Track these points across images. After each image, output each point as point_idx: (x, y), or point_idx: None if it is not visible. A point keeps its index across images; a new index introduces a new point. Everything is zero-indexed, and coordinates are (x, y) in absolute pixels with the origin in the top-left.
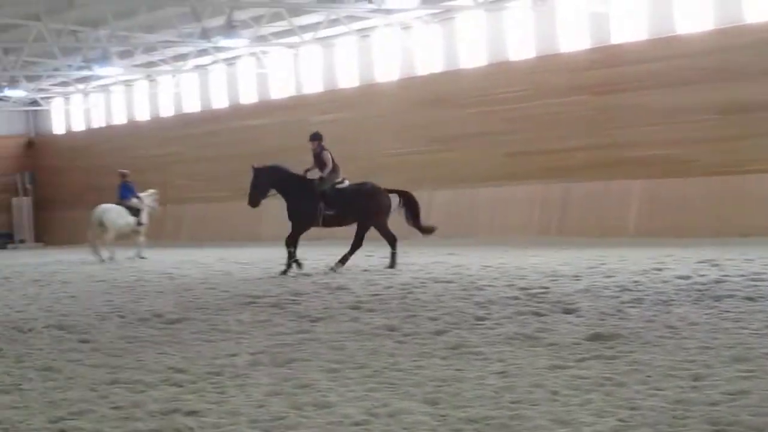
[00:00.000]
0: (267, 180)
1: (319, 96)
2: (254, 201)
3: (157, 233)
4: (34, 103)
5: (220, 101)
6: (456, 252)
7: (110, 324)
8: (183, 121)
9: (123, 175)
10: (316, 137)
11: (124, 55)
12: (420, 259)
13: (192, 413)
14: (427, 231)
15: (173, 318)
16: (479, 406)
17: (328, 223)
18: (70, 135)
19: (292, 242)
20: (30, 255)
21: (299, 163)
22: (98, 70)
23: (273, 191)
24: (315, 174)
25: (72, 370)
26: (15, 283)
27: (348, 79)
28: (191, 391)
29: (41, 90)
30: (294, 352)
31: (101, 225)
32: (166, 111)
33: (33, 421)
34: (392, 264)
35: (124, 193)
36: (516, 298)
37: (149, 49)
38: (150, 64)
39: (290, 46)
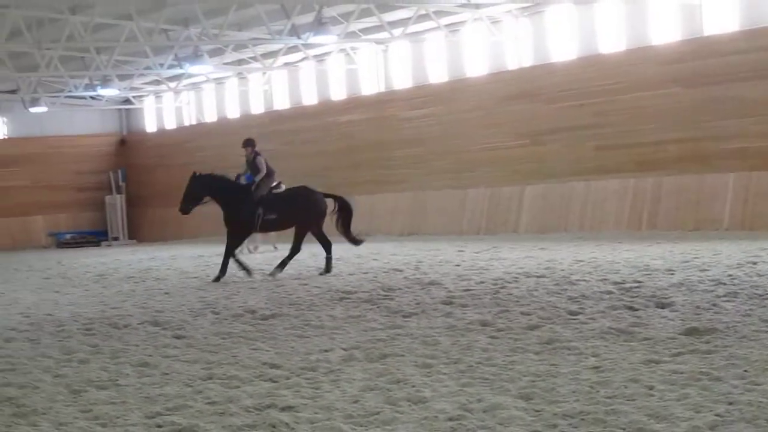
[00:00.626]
0: (202, 188)
1: (408, 91)
2: (185, 208)
3: None
4: (127, 101)
5: (309, 98)
6: (547, 246)
7: (204, 320)
8: (273, 117)
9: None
10: (249, 143)
11: (215, 53)
12: (511, 254)
13: (287, 408)
14: (354, 241)
15: (266, 314)
16: (574, 401)
17: (267, 227)
18: (161, 133)
19: (232, 250)
20: (124, 252)
21: (385, 160)
22: (189, 68)
23: (207, 198)
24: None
25: (167, 365)
26: (110, 280)
27: (437, 75)
28: (286, 386)
29: (133, 89)
30: (387, 348)
31: None
32: (257, 108)
33: (130, 416)
34: (328, 269)
35: None
36: (609, 292)
37: (240, 46)
38: (240, 62)
39: (379, 42)
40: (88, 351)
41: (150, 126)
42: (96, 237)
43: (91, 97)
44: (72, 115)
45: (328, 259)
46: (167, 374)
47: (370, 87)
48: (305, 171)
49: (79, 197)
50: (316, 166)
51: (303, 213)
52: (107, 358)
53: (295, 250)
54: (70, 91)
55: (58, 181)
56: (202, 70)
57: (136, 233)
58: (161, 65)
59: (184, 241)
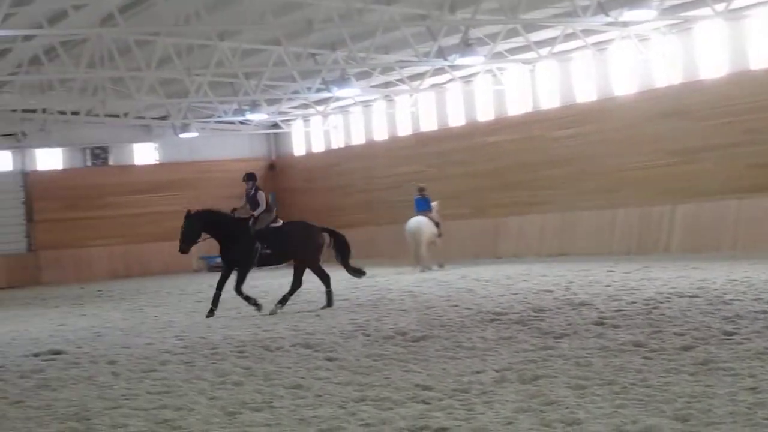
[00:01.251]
0: (198, 225)
1: (556, 111)
2: (184, 249)
3: (396, 252)
4: (275, 125)
5: (456, 119)
6: (700, 266)
7: (355, 342)
8: (420, 139)
9: (420, 189)
10: (250, 178)
11: (362, 76)
12: (663, 274)
13: (440, 430)
14: (355, 272)
15: (417, 335)
16: (731, 423)
17: (265, 262)
18: (309, 156)
19: (240, 288)
20: (273, 275)
21: (533, 180)
22: (337, 91)
23: (205, 235)
24: (244, 214)
25: (320, 387)
26: (261, 302)
27: (585, 94)
28: (439, 408)
29: (281, 113)
30: (539, 369)
31: (417, 237)
32: (404, 130)
33: None
34: (329, 302)
35: (422, 206)
36: (765, 312)
37: (386, 69)
38: (387, 84)
39: (526, 62)
40: (241, 373)
41: (298, 149)
42: None
43: (240, 122)
44: (221, 140)
45: (329, 293)
46: (320, 396)
47: (517, 107)
48: (452, 193)
49: None
50: (464, 188)
51: (300, 247)
52: (261, 380)
53: (296, 284)
54: (219, 117)
55: (208, 206)
56: (349, 93)
57: None
58: (309, 89)
59: (333, 263)
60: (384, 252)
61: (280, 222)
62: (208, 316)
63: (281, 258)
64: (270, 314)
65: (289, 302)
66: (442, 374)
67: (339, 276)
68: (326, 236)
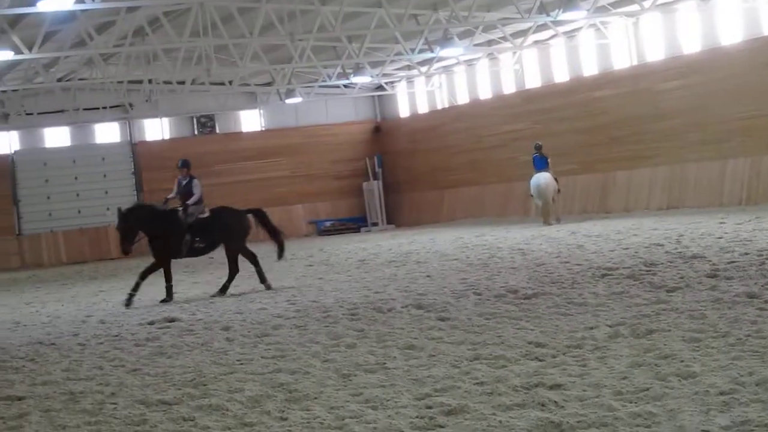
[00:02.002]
0: (134, 222)
1: (662, 63)
2: (126, 248)
3: (504, 210)
4: (379, 88)
5: (561, 75)
6: None
7: (467, 301)
8: (524, 97)
9: (538, 147)
10: (186, 164)
11: (465, 35)
12: None
13: (555, 387)
14: (281, 246)
15: (528, 293)
16: None
17: (196, 253)
18: (414, 117)
19: (151, 271)
20: (383, 237)
21: (641, 134)
22: (440, 51)
23: (141, 234)
24: (174, 204)
25: (433, 347)
26: (371, 265)
27: (690, 45)
28: (552, 365)
29: (385, 75)
30: (653, 323)
31: (544, 193)
32: (508, 88)
33: (400, 398)
34: (262, 279)
35: (540, 164)
36: None
37: (489, 27)
38: (490, 42)
39: (630, 14)
40: (354, 335)
41: (403, 111)
42: (355, 223)
43: (344, 86)
44: (326, 105)
45: (259, 272)
46: (434, 356)
47: (622, 61)
48: (559, 149)
49: (337, 185)
50: (570, 144)
51: (228, 234)
52: (374, 342)
53: (234, 271)
54: (323, 81)
55: (316, 170)
56: (452, 52)
57: (394, 218)
58: (412, 50)
59: (441, 224)
60: (491, 210)
61: (207, 212)
62: (126, 306)
63: (211, 247)
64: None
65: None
66: (554, 331)
67: (449, 235)
68: (251, 219)
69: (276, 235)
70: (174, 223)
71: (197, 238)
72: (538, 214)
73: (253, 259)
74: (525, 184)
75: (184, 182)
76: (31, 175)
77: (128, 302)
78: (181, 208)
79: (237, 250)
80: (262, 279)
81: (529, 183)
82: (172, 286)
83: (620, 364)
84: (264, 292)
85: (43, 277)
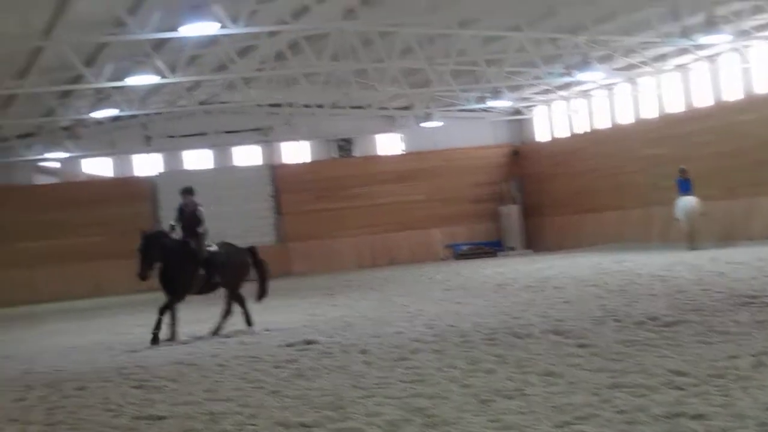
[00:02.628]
0: (155, 249)
1: None
2: (143, 275)
3: (646, 235)
4: (517, 112)
5: (703, 99)
6: None
7: (606, 328)
8: (666, 121)
9: (682, 171)
10: (189, 192)
11: (604, 59)
12: None
13: (697, 417)
14: (264, 289)
15: (669, 320)
16: None
17: (208, 290)
18: (553, 142)
19: (165, 310)
20: (521, 262)
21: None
22: (579, 75)
23: (158, 264)
24: (178, 233)
25: (573, 374)
26: (509, 289)
27: None
28: (694, 394)
29: (523, 99)
30: None
31: (691, 216)
32: (649, 112)
33: (539, 425)
34: (250, 321)
35: (685, 187)
36: None
37: (629, 51)
38: (630, 67)
39: None
40: (493, 361)
41: (541, 135)
42: (492, 248)
43: (483, 110)
44: (464, 128)
45: (246, 313)
46: (573, 383)
47: (764, 85)
48: (700, 174)
49: (474, 209)
50: (712, 169)
51: (235, 272)
52: (512, 368)
53: (244, 307)
54: (461, 105)
55: (453, 194)
56: (591, 77)
57: (533, 243)
58: (550, 74)
59: (580, 249)
60: (632, 235)
61: (214, 246)
62: (152, 344)
63: (227, 285)
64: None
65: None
66: (696, 359)
67: (588, 261)
68: (248, 257)
69: (266, 276)
70: (189, 254)
71: (214, 274)
72: (681, 238)
73: (241, 301)
74: (666, 209)
75: (188, 209)
76: (174, 197)
77: (154, 340)
78: (188, 239)
79: (239, 286)
80: (249, 321)
81: (675, 206)
82: (162, 320)
83: (765, 395)
84: (402, 316)
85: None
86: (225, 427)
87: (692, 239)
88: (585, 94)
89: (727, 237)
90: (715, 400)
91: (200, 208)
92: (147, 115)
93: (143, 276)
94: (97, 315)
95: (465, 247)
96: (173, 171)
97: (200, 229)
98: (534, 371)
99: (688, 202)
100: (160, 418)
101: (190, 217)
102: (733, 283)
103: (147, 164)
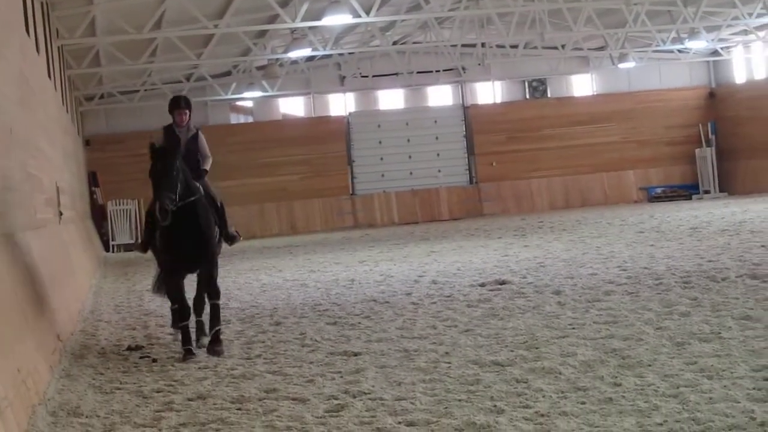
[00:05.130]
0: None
1: None
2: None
3: None
4: (714, 53)
5: None
6: None
7: None
8: None
9: None
10: (187, 105)
11: None
12: None
13: None
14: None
15: None
16: None
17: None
18: (750, 84)
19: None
20: (716, 205)
21: None
22: None
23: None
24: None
25: None
26: (703, 233)
27: None
28: None
29: (721, 40)
30: None
31: None
32: None
33: (736, 369)
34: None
35: None
36: None
37: None
38: None
39: None
40: (687, 304)
41: (739, 77)
42: (687, 191)
43: (678, 51)
44: (659, 70)
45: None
46: None
47: None
48: None
49: (668, 151)
50: None
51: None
52: (708, 311)
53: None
54: (657, 46)
55: (647, 136)
56: None
57: (728, 186)
58: (749, 15)
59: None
60: None
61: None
62: (186, 358)
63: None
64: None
65: None
66: None
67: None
68: None
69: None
70: (211, 203)
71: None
72: None
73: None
74: None
75: (190, 135)
76: (366, 136)
77: (188, 354)
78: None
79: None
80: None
81: None
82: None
83: None
84: (595, 258)
85: (375, 236)
86: (419, 364)
87: None
88: None
89: None
90: None
91: (202, 135)
92: (341, 55)
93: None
94: (291, 253)
95: (659, 190)
96: (366, 111)
97: (207, 166)
98: (730, 315)
99: None
100: (356, 354)
101: (189, 147)
102: None
103: (340, 104)
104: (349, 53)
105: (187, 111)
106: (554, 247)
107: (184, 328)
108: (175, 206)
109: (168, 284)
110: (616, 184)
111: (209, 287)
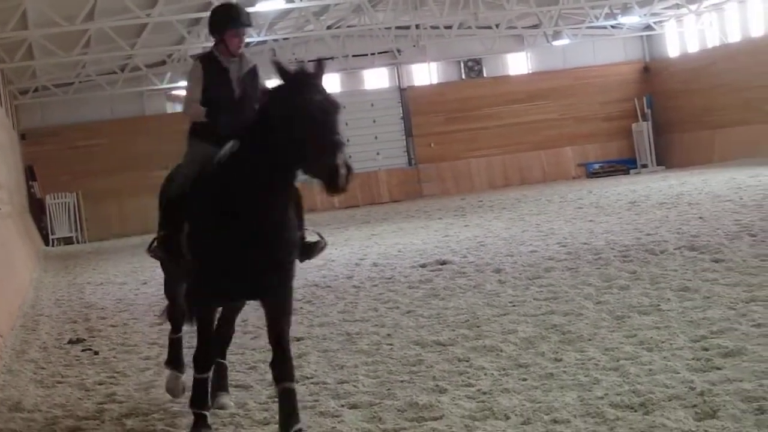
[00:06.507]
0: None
1: None
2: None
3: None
4: (648, 28)
5: None
6: None
7: (741, 243)
8: None
9: None
10: (248, 20)
11: None
12: None
13: None
14: None
15: None
16: None
17: None
18: (685, 57)
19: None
20: (653, 179)
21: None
22: None
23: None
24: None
25: (708, 289)
26: (642, 207)
27: None
28: None
29: (654, 14)
30: None
31: None
32: None
33: (675, 340)
34: None
35: None
36: None
37: None
38: None
39: None
40: (627, 278)
41: (672, 51)
42: (625, 165)
43: (612, 27)
44: (594, 46)
45: None
46: (708, 298)
47: None
48: None
49: (605, 127)
50: None
51: None
52: (647, 284)
53: None
54: (590, 22)
55: (584, 112)
56: None
57: (665, 159)
58: None
59: (712, 165)
60: (766, 150)
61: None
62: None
63: None
64: None
65: None
66: None
67: (721, 177)
68: None
69: None
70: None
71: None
72: None
73: None
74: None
75: (239, 69)
76: None
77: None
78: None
79: None
80: None
81: None
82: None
83: None
84: (535, 235)
85: (315, 221)
86: (361, 347)
87: None
88: (716, 7)
89: None
90: None
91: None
92: (276, 40)
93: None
94: None
95: (597, 166)
96: None
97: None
98: (669, 287)
99: None
100: (298, 339)
101: (247, 86)
102: None
103: None
104: (284, 39)
105: (246, 31)
106: (494, 226)
107: (202, 381)
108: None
109: (201, 310)
110: (555, 161)
111: (281, 337)
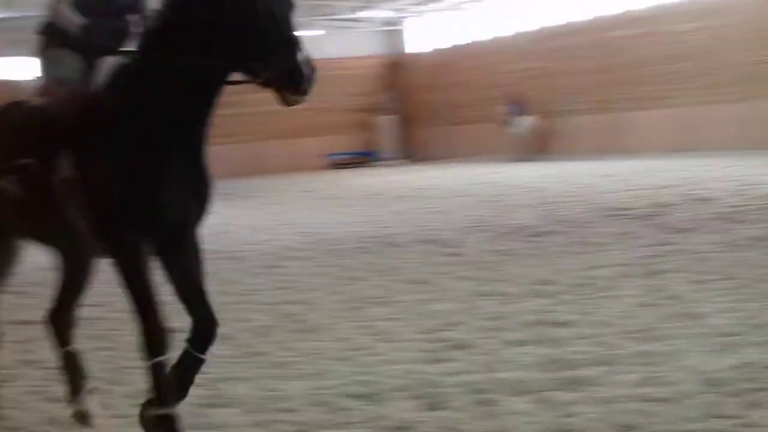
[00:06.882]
0: None
1: (680, 4)
2: None
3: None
4: (394, 22)
5: (581, 14)
6: None
7: (474, 238)
8: (545, 35)
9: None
10: None
11: None
12: None
13: (560, 324)
14: None
15: (538, 231)
16: None
17: None
18: (431, 53)
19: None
20: (395, 172)
21: (658, 75)
22: None
23: None
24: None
25: (441, 282)
26: (382, 199)
27: None
28: (559, 302)
29: (398, 10)
30: (661, 264)
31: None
32: (527, 26)
33: (407, 332)
34: None
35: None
36: None
37: None
38: None
39: None
40: (363, 269)
41: (419, 47)
42: (368, 157)
43: (359, 20)
44: (341, 39)
45: None
46: (441, 291)
47: (641, 1)
48: (577, 88)
49: (349, 119)
50: (588, 83)
51: None
52: (383, 276)
53: None
54: (338, 15)
55: (328, 104)
56: None
57: (409, 154)
58: None
59: (455, 160)
60: (507, 147)
61: None
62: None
63: None
64: None
65: None
66: (562, 269)
67: (462, 172)
68: None
69: None
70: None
71: None
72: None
73: None
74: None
75: None
76: None
77: None
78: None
79: None
80: None
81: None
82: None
83: (627, 304)
84: (275, 225)
85: None
86: (95, 332)
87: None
88: (456, 5)
89: (600, 150)
90: (578, 308)
91: None
92: None
93: None
94: None
95: (340, 157)
96: None
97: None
98: (403, 279)
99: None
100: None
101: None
102: (603, 195)
103: None
104: None
105: None
106: (235, 215)
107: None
108: None
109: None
110: (298, 151)
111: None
